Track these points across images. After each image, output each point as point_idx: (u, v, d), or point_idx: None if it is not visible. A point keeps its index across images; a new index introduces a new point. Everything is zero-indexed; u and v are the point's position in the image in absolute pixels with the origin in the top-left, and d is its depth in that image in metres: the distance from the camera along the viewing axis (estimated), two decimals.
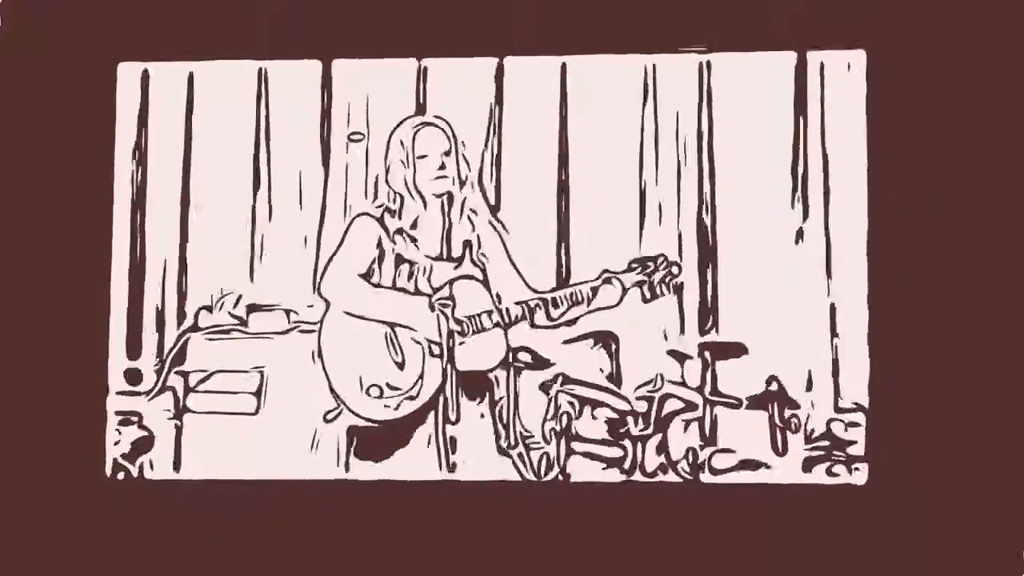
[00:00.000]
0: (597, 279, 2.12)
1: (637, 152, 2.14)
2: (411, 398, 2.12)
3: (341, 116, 2.17)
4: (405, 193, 2.16)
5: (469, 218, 2.15)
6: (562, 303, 2.11)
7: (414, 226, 2.16)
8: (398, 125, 2.16)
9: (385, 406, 2.12)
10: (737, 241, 2.12)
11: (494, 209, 2.14)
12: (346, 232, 2.16)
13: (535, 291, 2.13)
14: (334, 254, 2.15)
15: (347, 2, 2.17)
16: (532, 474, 2.10)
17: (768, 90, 2.13)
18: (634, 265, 2.12)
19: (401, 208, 2.16)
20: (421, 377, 2.13)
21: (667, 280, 2.11)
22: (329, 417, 2.12)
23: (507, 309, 2.13)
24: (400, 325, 2.14)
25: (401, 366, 2.13)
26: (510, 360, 2.12)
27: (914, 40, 2.10)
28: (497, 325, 2.13)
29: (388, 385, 2.13)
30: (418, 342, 2.13)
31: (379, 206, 2.16)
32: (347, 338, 2.14)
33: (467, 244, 2.14)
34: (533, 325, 2.12)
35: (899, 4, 2.11)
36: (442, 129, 2.15)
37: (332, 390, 2.12)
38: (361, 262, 2.16)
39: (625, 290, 2.10)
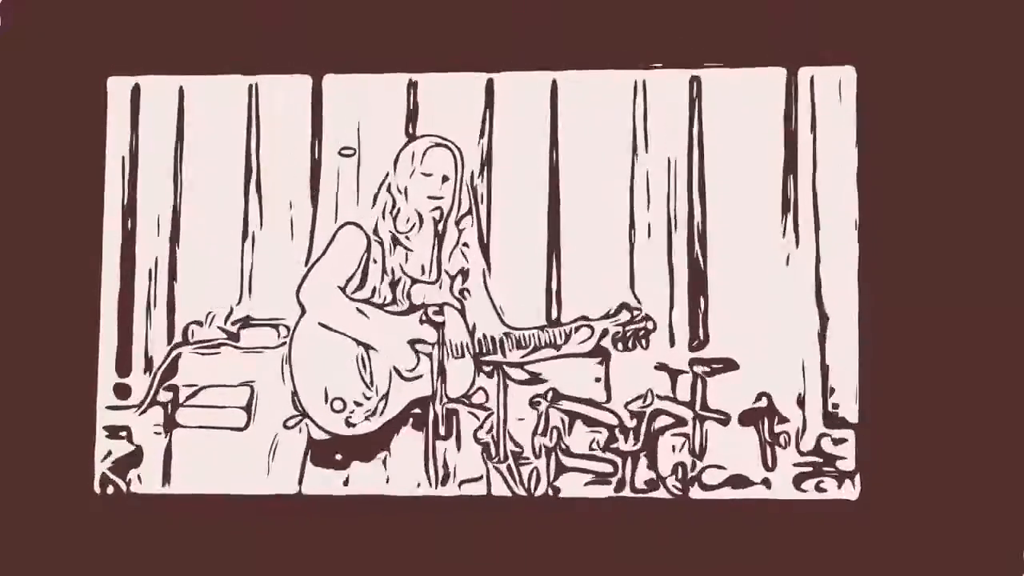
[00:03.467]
0: (573, 323, 2.12)
1: (628, 167, 2.14)
2: (369, 417, 2.12)
3: (332, 131, 2.17)
4: (403, 204, 2.15)
5: (461, 251, 2.14)
6: (528, 343, 2.11)
7: (407, 238, 2.15)
8: (410, 140, 2.16)
9: (348, 422, 2.12)
10: (728, 257, 2.11)
11: (484, 247, 2.14)
12: (331, 241, 2.16)
13: (508, 326, 2.12)
14: (316, 261, 2.15)
15: (338, 17, 2.17)
16: (522, 489, 2.09)
17: (758, 106, 2.13)
18: (612, 313, 2.11)
19: (397, 217, 2.15)
20: (386, 397, 2.12)
21: (640, 333, 2.11)
22: (289, 424, 2.12)
23: (482, 338, 2.13)
24: (372, 348, 2.13)
25: (369, 384, 2.13)
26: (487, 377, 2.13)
27: (904, 57, 2.11)
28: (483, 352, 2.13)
29: (353, 401, 2.12)
30: (389, 365, 2.13)
31: (382, 210, 2.15)
32: (319, 349, 2.13)
33: (452, 277, 2.14)
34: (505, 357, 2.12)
35: (889, 21, 2.12)
36: (452, 154, 2.15)
37: (295, 398, 2.12)
38: (343, 273, 2.15)
39: (598, 337, 2.10)
